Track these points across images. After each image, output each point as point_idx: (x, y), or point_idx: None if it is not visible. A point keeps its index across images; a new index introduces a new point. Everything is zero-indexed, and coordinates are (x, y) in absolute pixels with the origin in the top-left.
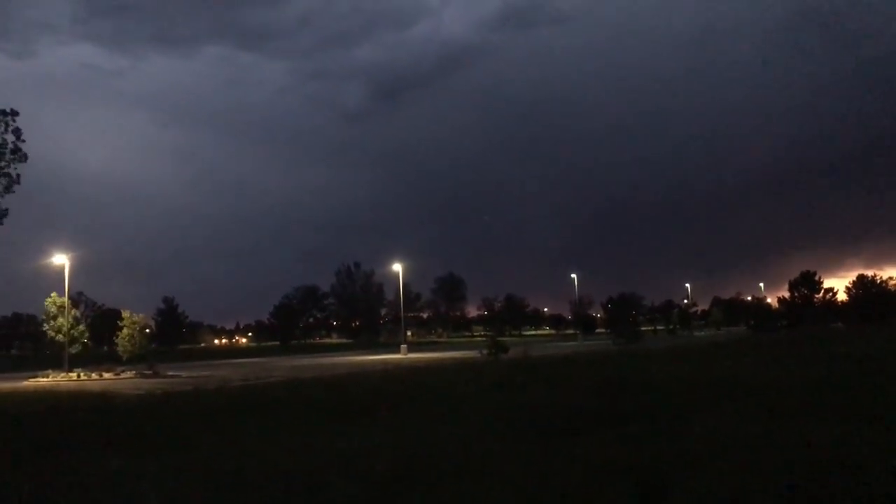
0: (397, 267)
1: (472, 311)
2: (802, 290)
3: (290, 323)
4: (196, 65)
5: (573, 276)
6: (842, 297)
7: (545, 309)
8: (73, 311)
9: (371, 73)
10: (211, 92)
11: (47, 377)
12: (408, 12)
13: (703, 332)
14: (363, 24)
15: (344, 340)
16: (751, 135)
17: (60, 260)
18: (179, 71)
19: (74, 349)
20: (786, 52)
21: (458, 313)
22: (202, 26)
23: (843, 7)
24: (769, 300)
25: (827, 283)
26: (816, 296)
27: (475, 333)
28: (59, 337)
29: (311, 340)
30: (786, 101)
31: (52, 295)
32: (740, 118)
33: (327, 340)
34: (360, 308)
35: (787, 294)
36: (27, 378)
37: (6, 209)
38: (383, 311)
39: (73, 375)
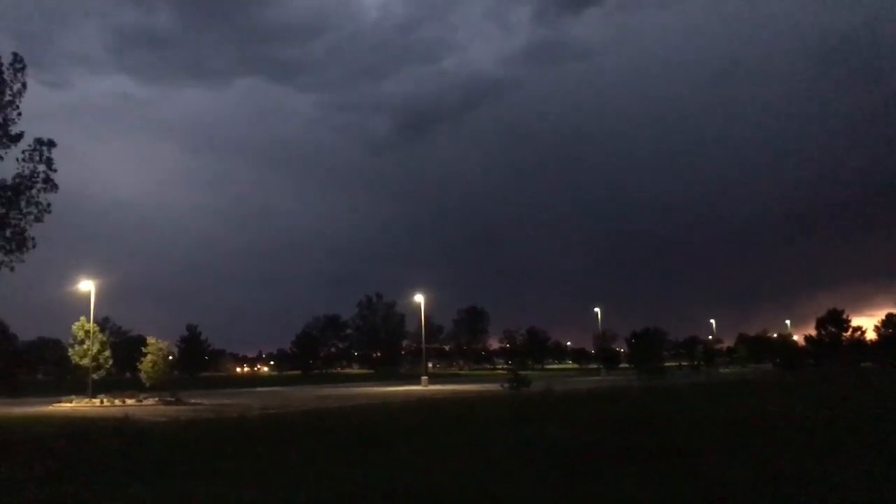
0: (419, 298)
1: (494, 344)
2: (830, 328)
3: (311, 352)
4: (227, 96)
5: (596, 309)
6: (871, 335)
7: (568, 342)
8: (99, 336)
9: (398, 105)
10: (241, 123)
11: (71, 402)
12: (435, 47)
13: (728, 369)
14: (391, 58)
15: (365, 371)
16: (779, 170)
17: (87, 285)
18: (211, 102)
19: (98, 375)
20: (813, 87)
21: (479, 346)
22: (234, 59)
23: (871, 42)
24: (795, 338)
25: (855, 322)
26: (844, 334)
27: (497, 366)
28: (85, 361)
29: (333, 370)
30: (814, 136)
31: (81, 319)
32: (768, 153)
33: (348, 370)
34: (381, 339)
35: (814, 332)
36: (51, 403)
37: (34, 238)
38: (405, 343)
39: (97, 402)
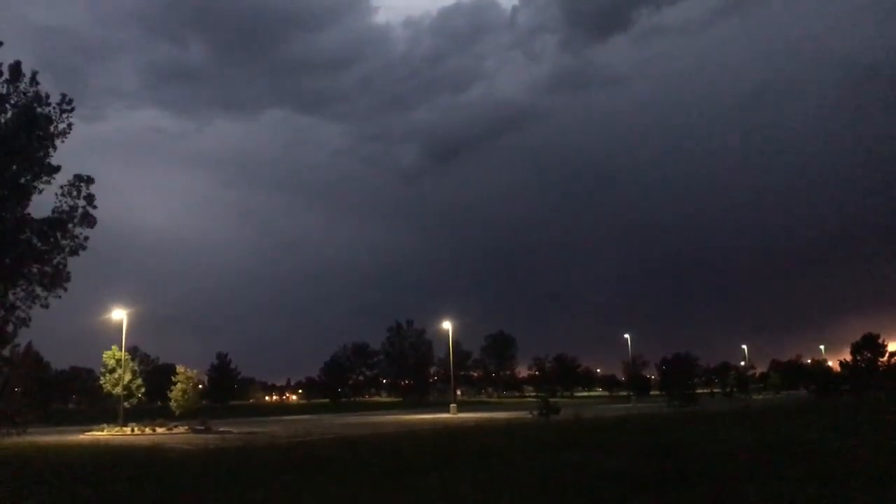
0: (447, 325)
1: (523, 371)
2: (865, 353)
3: (339, 380)
4: (258, 128)
5: (626, 335)
6: None
7: (597, 369)
8: (131, 364)
9: (426, 134)
10: (271, 153)
11: (102, 431)
12: (462, 76)
13: (761, 396)
14: (419, 87)
15: (393, 399)
16: (811, 194)
17: (119, 315)
18: (241, 134)
19: (129, 403)
20: (842, 112)
21: (508, 372)
22: (264, 91)
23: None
24: (830, 363)
25: (892, 347)
26: (881, 359)
27: (525, 394)
28: (117, 390)
29: (361, 398)
30: (846, 159)
31: (112, 348)
32: (800, 177)
33: (377, 398)
34: (410, 365)
35: (848, 357)
36: (83, 432)
37: (69, 272)
38: (433, 370)
39: (128, 430)
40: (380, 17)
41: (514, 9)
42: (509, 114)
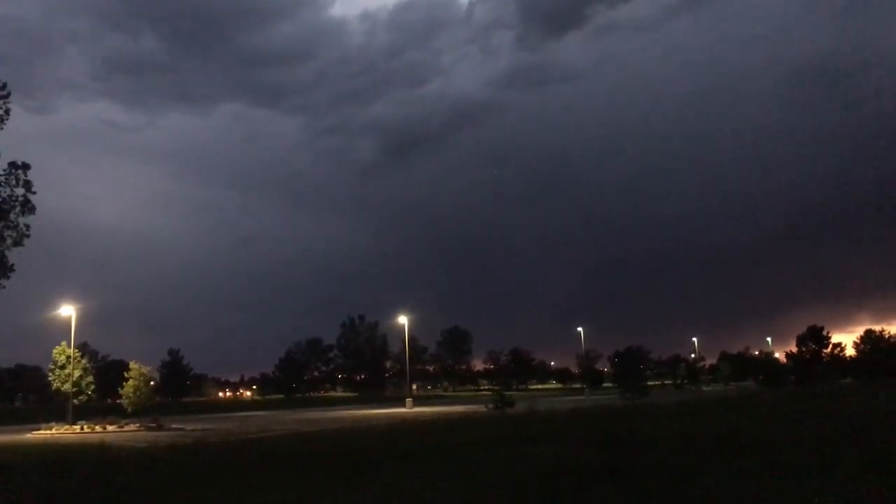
0: (403, 319)
1: (479, 365)
2: (810, 344)
3: (294, 376)
4: (212, 121)
5: (580, 329)
6: (850, 352)
7: (552, 363)
8: (81, 362)
9: (383, 129)
10: (226, 148)
11: (51, 429)
12: (419, 71)
13: (710, 387)
14: (376, 82)
15: (349, 394)
16: (758, 190)
17: (67, 311)
18: (196, 127)
19: (79, 401)
20: (790, 109)
21: (463, 367)
22: (219, 84)
23: (845, 66)
24: (777, 355)
25: (835, 338)
26: (824, 351)
27: (481, 387)
28: (66, 387)
29: (316, 394)
30: (793, 158)
31: (62, 344)
32: (748, 174)
33: (332, 394)
34: (365, 361)
35: (794, 349)
36: (30, 430)
37: (13, 264)
38: (388, 364)
39: (77, 428)
40: (336, 10)
41: (471, 4)
42: (466, 109)
